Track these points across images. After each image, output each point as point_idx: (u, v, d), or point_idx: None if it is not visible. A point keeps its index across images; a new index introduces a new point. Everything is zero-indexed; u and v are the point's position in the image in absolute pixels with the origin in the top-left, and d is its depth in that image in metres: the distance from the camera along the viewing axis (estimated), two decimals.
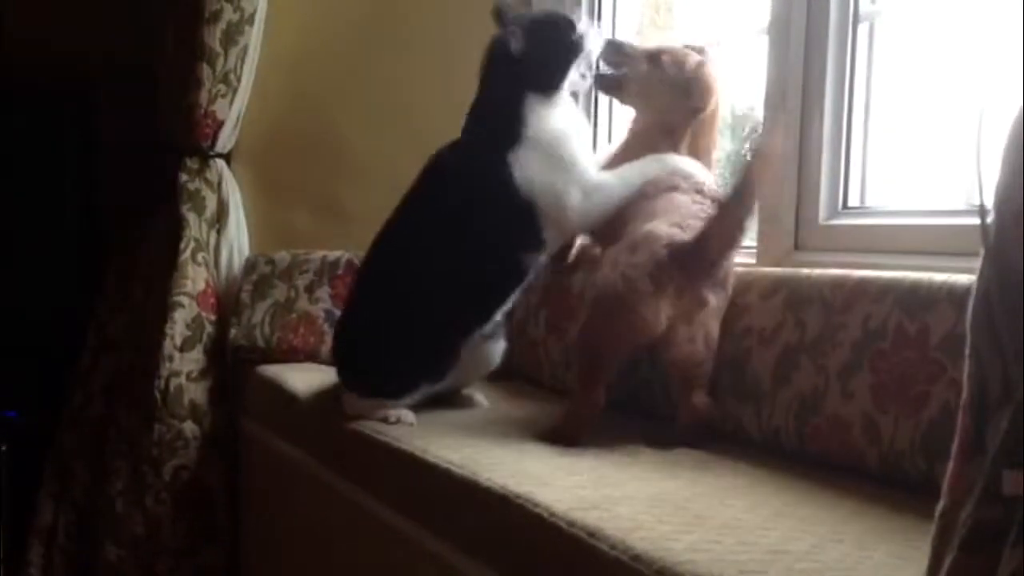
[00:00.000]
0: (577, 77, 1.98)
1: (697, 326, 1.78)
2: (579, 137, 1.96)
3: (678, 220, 1.82)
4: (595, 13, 2.85)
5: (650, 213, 1.87)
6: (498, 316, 2.00)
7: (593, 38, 1.98)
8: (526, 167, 1.90)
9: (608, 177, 1.95)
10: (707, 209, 1.85)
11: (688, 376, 1.79)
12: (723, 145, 2.25)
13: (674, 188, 1.90)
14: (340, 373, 2.05)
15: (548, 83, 1.93)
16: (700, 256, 1.75)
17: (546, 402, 1.96)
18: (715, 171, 2.02)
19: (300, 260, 2.78)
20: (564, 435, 1.74)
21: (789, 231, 2.06)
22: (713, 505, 1.36)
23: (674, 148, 1.98)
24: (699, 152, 2.00)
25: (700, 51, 2.03)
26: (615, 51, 2.05)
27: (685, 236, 1.77)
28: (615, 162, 2.02)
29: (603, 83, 2.09)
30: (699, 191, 1.90)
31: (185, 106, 2.74)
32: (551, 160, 1.91)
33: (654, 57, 2.02)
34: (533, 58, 1.92)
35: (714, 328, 1.80)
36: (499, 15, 2.00)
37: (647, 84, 2.02)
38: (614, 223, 1.94)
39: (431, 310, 1.92)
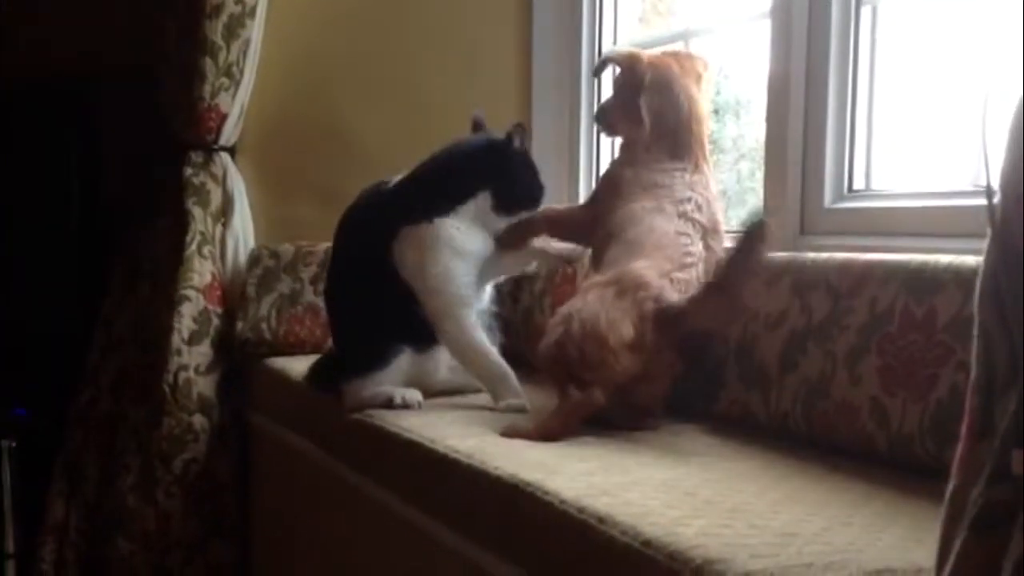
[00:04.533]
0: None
1: (658, 381, 1.77)
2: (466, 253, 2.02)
3: (667, 267, 1.78)
4: (597, 2, 2.84)
5: (635, 243, 1.83)
6: None
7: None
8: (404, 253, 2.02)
9: (464, 317, 2.02)
10: (692, 239, 1.82)
11: (637, 411, 1.79)
12: (727, 133, 2.22)
13: (659, 211, 1.86)
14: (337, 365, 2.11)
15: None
16: (685, 329, 1.72)
17: (552, 389, 1.96)
18: (707, 170, 1.93)
19: (304, 252, 2.79)
20: (531, 433, 1.70)
21: (795, 215, 2.06)
22: (722, 490, 1.36)
23: (671, 155, 1.91)
24: (686, 152, 1.92)
25: (675, 56, 2.01)
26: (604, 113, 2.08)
27: (673, 295, 1.73)
28: (606, 192, 2.00)
29: (602, 123, 2.11)
30: (682, 215, 1.85)
31: (188, 100, 2.74)
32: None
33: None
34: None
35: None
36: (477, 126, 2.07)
37: (619, 110, 2.01)
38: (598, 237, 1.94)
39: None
